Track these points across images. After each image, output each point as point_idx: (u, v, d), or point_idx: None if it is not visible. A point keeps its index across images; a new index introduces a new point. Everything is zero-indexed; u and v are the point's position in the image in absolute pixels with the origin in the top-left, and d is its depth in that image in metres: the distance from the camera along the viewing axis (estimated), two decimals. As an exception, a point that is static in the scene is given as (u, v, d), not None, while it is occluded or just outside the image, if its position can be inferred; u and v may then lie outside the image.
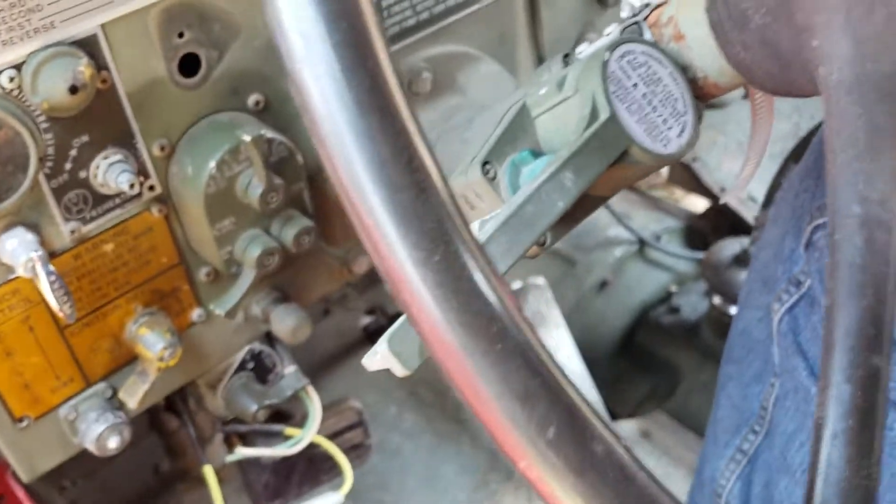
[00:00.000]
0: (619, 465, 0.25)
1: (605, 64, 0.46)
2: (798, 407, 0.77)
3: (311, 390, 0.79)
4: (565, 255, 1.67)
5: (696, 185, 1.72)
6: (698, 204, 1.81)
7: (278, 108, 0.66)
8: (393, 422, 1.38)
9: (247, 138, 0.59)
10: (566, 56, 0.52)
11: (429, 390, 1.43)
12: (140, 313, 0.66)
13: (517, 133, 0.48)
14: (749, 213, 1.68)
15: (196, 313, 0.69)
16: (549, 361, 0.25)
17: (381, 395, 1.40)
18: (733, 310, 1.52)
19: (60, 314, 0.55)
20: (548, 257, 1.61)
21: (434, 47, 0.75)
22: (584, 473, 0.24)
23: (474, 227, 0.42)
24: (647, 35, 0.50)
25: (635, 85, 0.47)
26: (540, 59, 0.89)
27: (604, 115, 0.45)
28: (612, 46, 0.47)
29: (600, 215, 1.69)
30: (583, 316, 1.62)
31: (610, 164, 0.44)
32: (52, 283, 0.53)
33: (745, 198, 1.73)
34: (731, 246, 1.57)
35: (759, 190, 1.73)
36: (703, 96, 0.50)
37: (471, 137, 0.70)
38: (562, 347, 1.41)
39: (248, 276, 0.65)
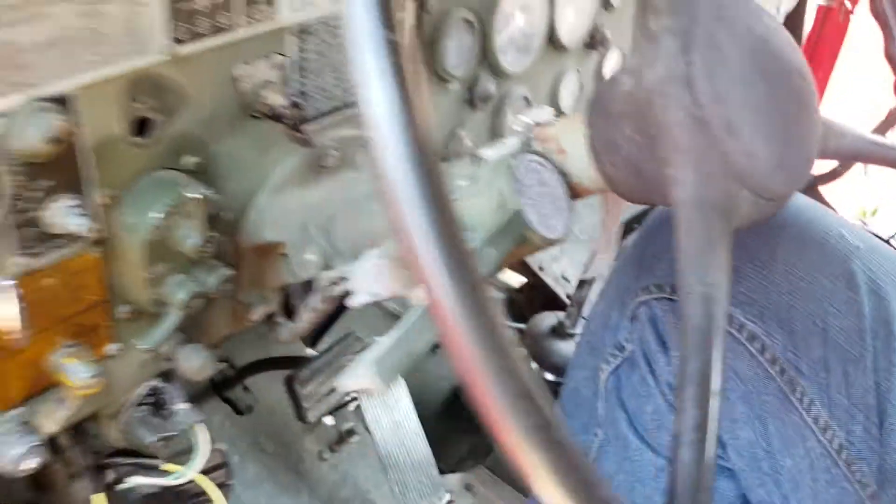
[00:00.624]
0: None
1: (510, 168, 0.60)
2: (618, 452, 0.94)
3: (201, 427, 0.86)
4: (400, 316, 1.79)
5: (516, 262, 1.92)
6: (516, 279, 1.99)
7: (211, 169, 0.75)
8: (234, 471, 1.43)
9: (191, 195, 0.67)
10: (474, 157, 0.66)
11: (270, 441, 1.49)
12: (62, 344, 0.71)
13: (440, 213, 0.61)
14: (562, 290, 1.89)
15: (110, 348, 0.75)
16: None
17: (223, 444, 1.45)
18: (549, 376, 1.70)
19: (14, 337, 0.60)
20: (387, 317, 1.72)
21: (341, 130, 0.87)
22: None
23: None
24: (537, 147, 0.65)
25: (531, 185, 0.62)
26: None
27: (511, 206, 0.59)
28: (515, 154, 0.62)
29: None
30: (415, 376, 1.74)
31: (515, 243, 0.58)
32: (21, 311, 0.59)
33: (560, 276, 1.94)
34: (548, 318, 1.76)
35: (571, 271, 1.95)
36: (578, 195, 0.65)
37: (376, 209, 0.82)
38: (400, 403, 1.52)
39: (174, 316, 0.72)
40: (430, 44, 0.98)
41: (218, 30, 0.70)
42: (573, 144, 0.64)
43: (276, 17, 0.74)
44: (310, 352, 1.40)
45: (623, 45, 1.37)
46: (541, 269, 1.93)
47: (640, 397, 0.88)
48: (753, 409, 0.83)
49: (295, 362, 1.26)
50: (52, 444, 0.89)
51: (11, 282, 0.59)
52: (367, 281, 0.69)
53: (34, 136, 0.60)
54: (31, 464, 0.68)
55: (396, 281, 0.67)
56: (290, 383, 1.21)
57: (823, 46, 2.35)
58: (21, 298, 0.60)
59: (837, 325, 0.80)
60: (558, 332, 1.75)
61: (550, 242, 0.61)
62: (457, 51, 1.02)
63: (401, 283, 0.67)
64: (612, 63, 1.33)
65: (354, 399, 1.33)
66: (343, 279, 0.73)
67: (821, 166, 0.74)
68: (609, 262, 0.75)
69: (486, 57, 1.07)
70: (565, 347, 1.69)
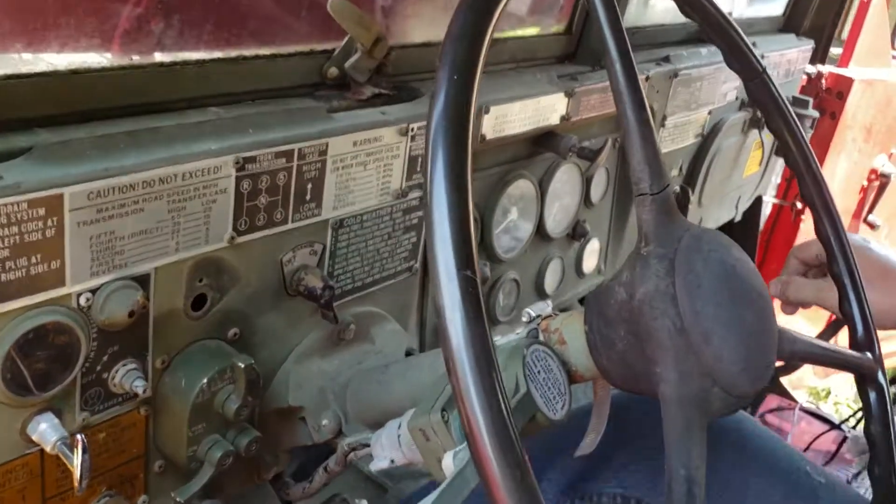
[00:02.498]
0: None
1: (523, 357, 0.71)
2: None
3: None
4: (379, 482, 1.84)
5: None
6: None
7: (248, 339, 0.85)
8: None
9: (241, 364, 0.77)
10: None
11: None
12: (103, 493, 0.78)
13: (459, 393, 0.71)
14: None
15: (141, 499, 0.82)
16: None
17: None
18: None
19: (77, 485, 0.67)
20: (363, 482, 1.77)
21: (360, 307, 0.98)
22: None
23: (448, 456, 0.63)
24: (542, 338, 0.76)
25: (539, 372, 0.72)
26: (422, 325, 1.14)
27: (522, 390, 0.69)
28: (526, 345, 0.72)
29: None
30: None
31: (525, 422, 0.68)
32: (83, 463, 0.66)
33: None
34: None
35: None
36: (575, 381, 0.76)
37: (386, 380, 0.92)
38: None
39: (207, 471, 0.80)
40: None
41: (272, 223, 0.82)
42: (573, 337, 0.75)
43: (320, 214, 0.87)
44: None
45: (600, 236, 1.52)
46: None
47: None
48: None
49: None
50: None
51: (81, 436, 0.67)
52: (387, 448, 0.78)
53: (118, 310, 0.70)
54: None
55: (412, 451, 0.76)
56: (281, 540, 1.26)
57: (777, 238, 2.58)
58: (86, 451, 0.67)
59: None
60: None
61: (553, 423, 0.71)
62: (460, 240, 1.15)
63: (416, 453, 0.76)
64: (591, 250, 1.48)
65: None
66: (364, 445, 0.81)
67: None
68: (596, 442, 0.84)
69: (483, 244, 1.21)
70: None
